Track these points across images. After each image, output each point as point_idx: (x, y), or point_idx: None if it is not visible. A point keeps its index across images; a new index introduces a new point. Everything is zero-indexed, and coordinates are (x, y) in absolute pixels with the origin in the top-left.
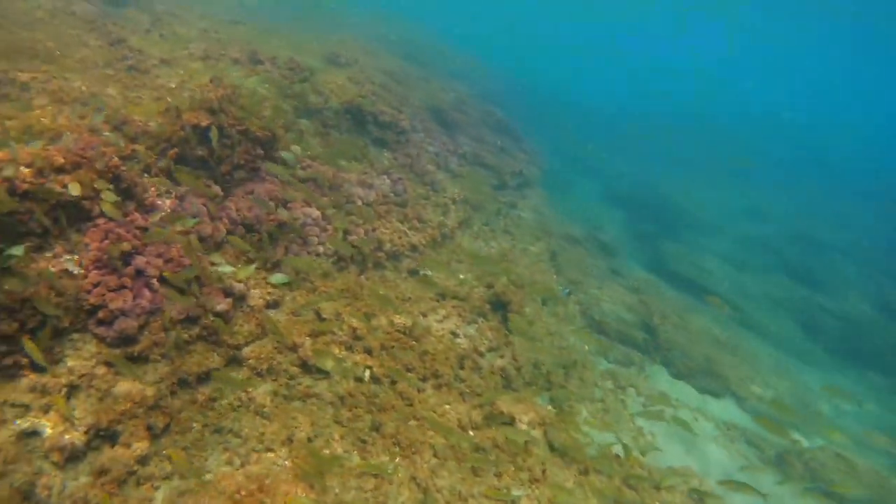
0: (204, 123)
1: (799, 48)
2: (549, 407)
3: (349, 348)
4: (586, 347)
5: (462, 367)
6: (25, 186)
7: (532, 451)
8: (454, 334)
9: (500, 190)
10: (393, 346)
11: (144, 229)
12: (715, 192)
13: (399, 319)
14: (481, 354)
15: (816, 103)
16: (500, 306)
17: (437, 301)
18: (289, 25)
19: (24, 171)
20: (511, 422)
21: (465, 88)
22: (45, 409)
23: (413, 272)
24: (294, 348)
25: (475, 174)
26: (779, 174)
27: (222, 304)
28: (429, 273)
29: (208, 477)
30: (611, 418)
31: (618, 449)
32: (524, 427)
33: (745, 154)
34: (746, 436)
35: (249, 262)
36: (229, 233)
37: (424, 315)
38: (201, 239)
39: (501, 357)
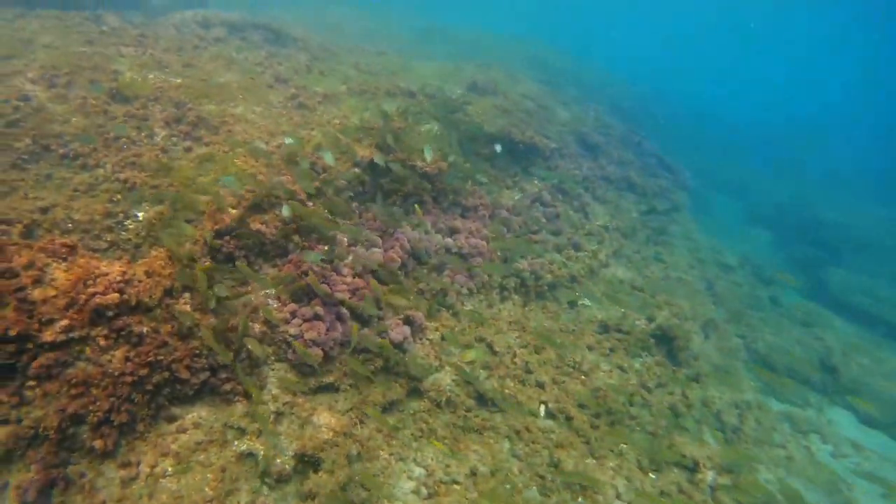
0: (375, 159)
1: None
2: (725, 448)
3: (522, 382)
4: (752, 384)
5: (632, 404)
6: (233, 224)
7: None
8: (621, 369)
9: (649, 215)
10: (564, 381)
11: (330, 261)
12: (884, 209)
13: (569, 354)
14: (649, 390)
15: None
16: (664, 340)
17: (601, 334)
18: (426, 53)
19: (232, 212)
20: (694, 467)
21: (603, 108)
22: (258, 434)
23: (572, 303)
24: (470, 381)
25: (623, 199)
26: None
27: (401, 336)
28: (589, 303)
29: None
30: (797, 468)
31: None
32: (707, 474)
33: None
34: None
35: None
36: (403, 263)
37: (591, 348)
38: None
39: (671, 394)
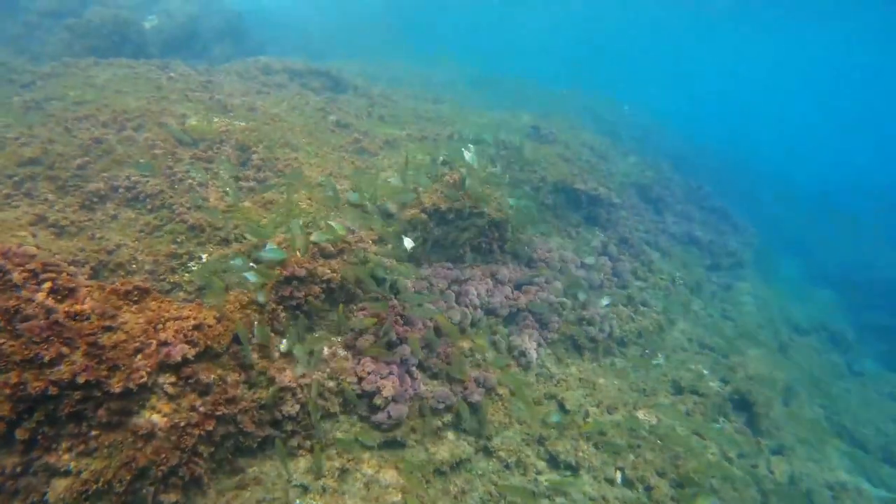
0: (443, 207)
1: None
2: None
3: (596, 445)
4: (842, 462)
5: (713, 476)
6: (301, 272)
7: None
8: (699, 435)
9: (714, 271)
10: (640, 446)
11: (403, 316)
12: None
13: (642, 415)
14: (731, 461)
15: None
16: (742, 405)
17: (675, 395)
18: (480, 100)
19: (299, 256)
20: None
21: (665, 161)
22: (322, 491)
23: (642, 360)
24: (541, 441)
25: (687, 253)
26: None
27: (476, 395)
28: (661, 362)
29: None
30: None
31: None
32: None
33: None
34: None
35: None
36: (473, 318)
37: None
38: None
39: (754, 467)
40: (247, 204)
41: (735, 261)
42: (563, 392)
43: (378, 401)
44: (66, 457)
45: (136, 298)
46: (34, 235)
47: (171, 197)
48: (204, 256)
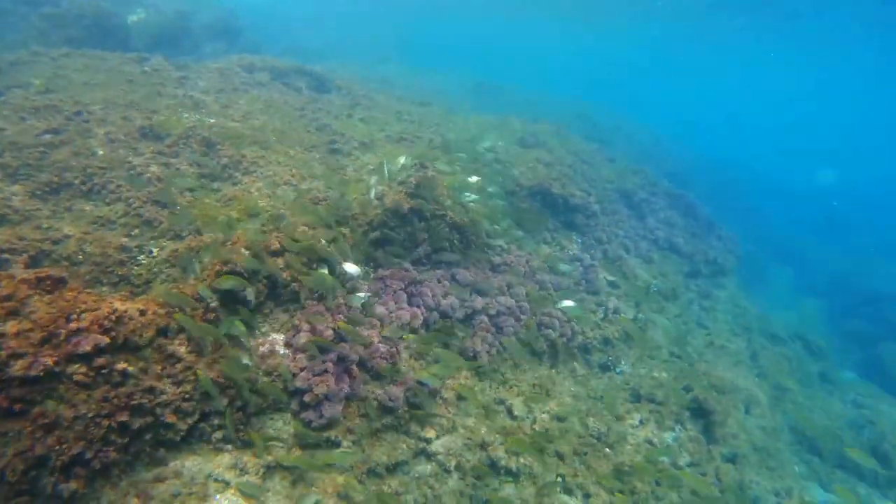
0: (405, 208)
1: None
2: None
3: (540, 450)
4: (796, 469)
5: (659, 484)
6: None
7: None
8: (650, 443)
9: (693, 278)
10: (586, 453)
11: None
12: None
13: (593, 422)
14: (680, 469)
15: None
16: (700, 413)
17: (632, 403)
18: (473, 107)
19: (244, 252)
20: None
21: (651, 168)
22: (244, 488)
23: (604, 367)
24: (483, 446)
25: (667, 260)
26: None
27: (418, 396)
28: (624, 370)
29: None
30: None
31: None
32: None
33: None
34: None
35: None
36: (425, 320)
37: (618, 419)
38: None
39: (703, 475)
40: (206, 201)
41: (716, 269)
42: (513, 398)
43: (308, 398)
44: None
45: (49, 288)
46: None
47: (128, 190)
48: (154, 251)
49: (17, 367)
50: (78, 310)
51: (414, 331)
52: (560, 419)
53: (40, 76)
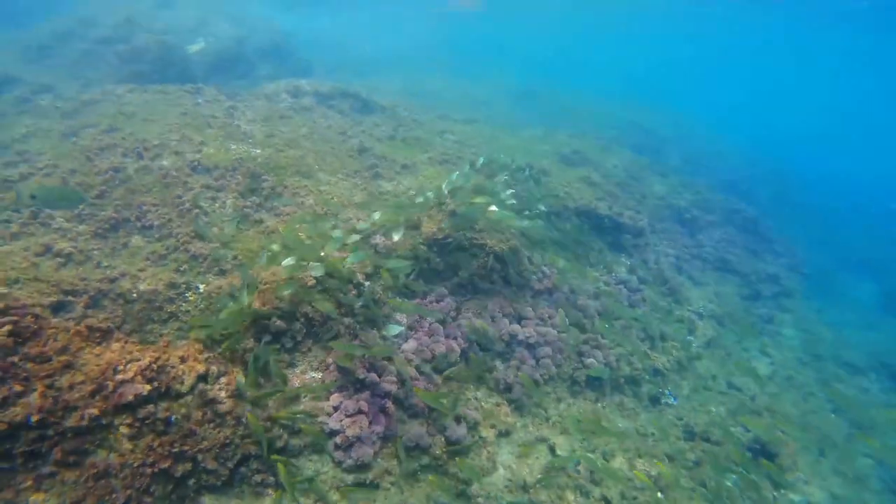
0: (440, 237)
1: None
2: None
3: (584, 494)
4: None
5: None
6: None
7: None
8: (706, 487)
9: (753, 301)
10: (636, 498)
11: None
12: None
13: (642, 463)
14: None
15: None
16: (762, 454)
17: (684, 441)
18: (519, 119)
19: (285, 292)
20: None
21: (704, 180)
22: None
23: (654, 400)
24: (525, 488)
25: (722, 282)
26: None
27: (456, 433)
28: (672, 402)
29: None
30: None
31: None
32: None
33: None
34: None
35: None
36: (463, 351)
37: (671, 458)
38: (434, 357)
39: None
40: (249, 233)
41: (779, 289)
42: (556, 436)
43: (340, 440)
44: (24, 495)
45: (98, 339)
46: (35, 266)
47: (178, 226)
48: (201, 287)
49: (71, 420)
50: (124, 361)
51: (451, 364)
52: (606, 456)
53: (106, 115)
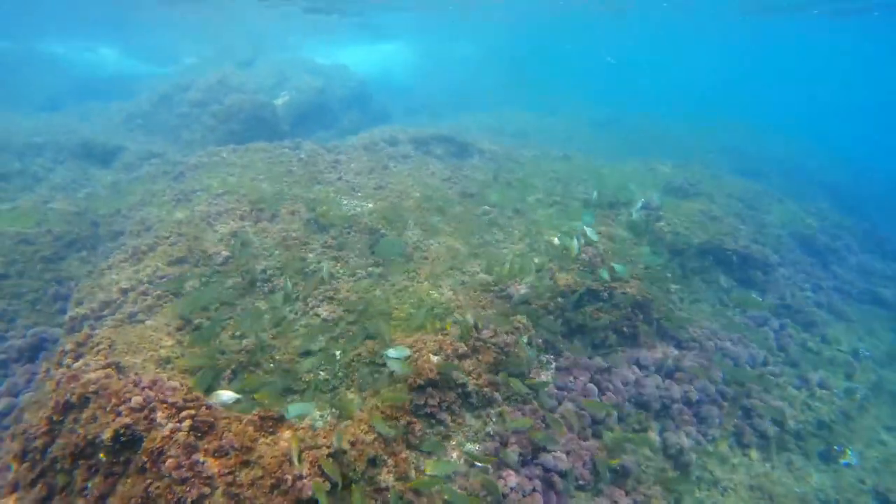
0: (579, 289)
1: None
2: None
3: None
4: None
5: None
6: (432, 375)
7: None
8: None
9: None
10: None
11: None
12: None
13: None
14: None
15: None
16: None
17: None
18: (610, 149)
19: (433, 358)
20: None
21: (825, 200)
22: None
23: (824, 457)
24: None
25: (870, 316)
26: None
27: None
28: (852, 462)
29: None
30: None
31: None
32: None
33: None
34: None
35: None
36: (617, 407)
37: None
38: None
39: None
40: (377, 293)
41: None
42: (728, 503)
43: None
44: None
45: (271, 429)
46: (180, 343)
47: (304, 289)
48: (338, 353)
49: None
50: (298, 450)
51: (610, 429)
52: None
53: (215, 177)
